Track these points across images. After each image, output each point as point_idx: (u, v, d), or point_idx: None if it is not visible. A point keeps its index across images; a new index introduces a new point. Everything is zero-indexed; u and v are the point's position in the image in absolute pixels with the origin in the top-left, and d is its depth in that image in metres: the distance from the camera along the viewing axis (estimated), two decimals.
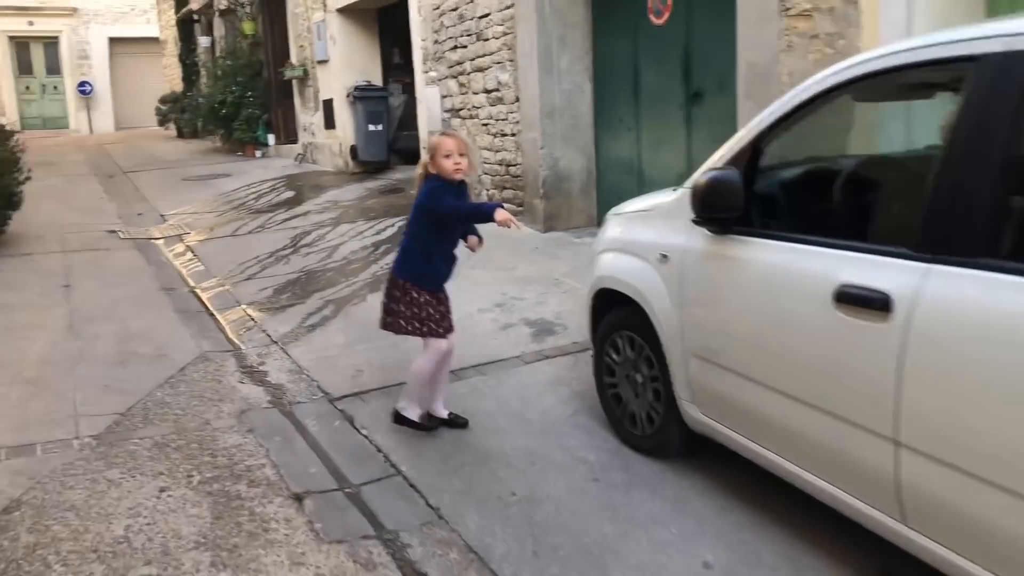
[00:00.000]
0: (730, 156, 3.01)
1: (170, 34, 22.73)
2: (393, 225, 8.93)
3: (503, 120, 8.73)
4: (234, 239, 8.85)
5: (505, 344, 5.15)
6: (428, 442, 3.91)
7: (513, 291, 6.26)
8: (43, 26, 25.49)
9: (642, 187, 7.80)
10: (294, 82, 14.47)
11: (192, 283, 7.21)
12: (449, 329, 3.94)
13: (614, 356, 3.76)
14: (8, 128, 9.00)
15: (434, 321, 3.87)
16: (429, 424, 3.99)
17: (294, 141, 14.93)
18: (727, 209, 2.84)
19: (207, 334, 5.79)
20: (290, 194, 11.41)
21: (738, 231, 2.91)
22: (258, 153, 15.75)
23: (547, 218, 8.22)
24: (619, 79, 7.93)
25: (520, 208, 8.57)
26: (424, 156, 3.82)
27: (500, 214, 3.52)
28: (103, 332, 5.76)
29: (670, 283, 3.25)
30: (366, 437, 4.02)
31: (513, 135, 8.58)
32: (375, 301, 6.26)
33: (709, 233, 3.02)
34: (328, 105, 13.30)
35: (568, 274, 6.60)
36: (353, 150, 12.72)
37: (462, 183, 3.79)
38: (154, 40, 24.78)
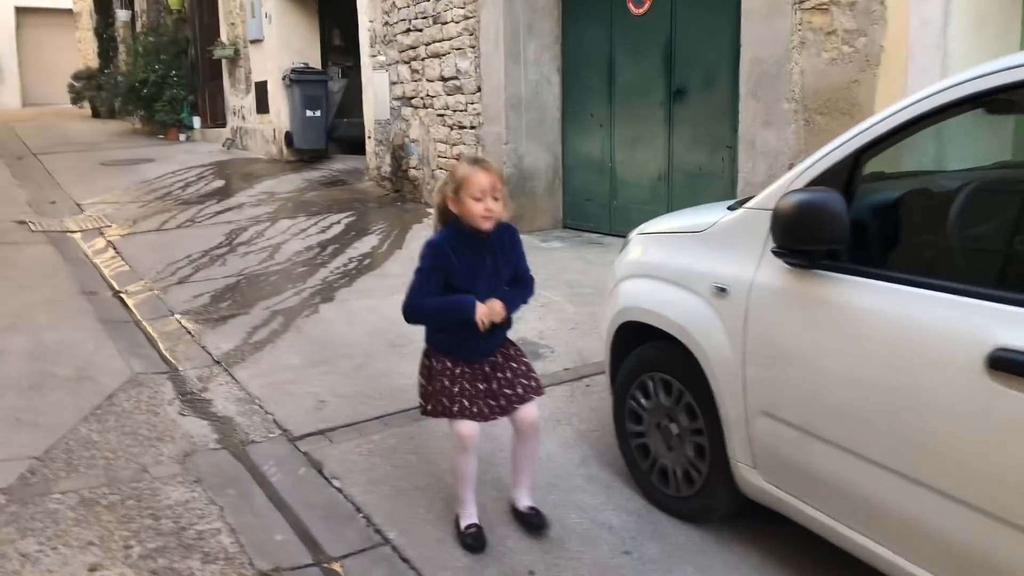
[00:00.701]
0: (817, 174, 2.46)
1: (85, 5, 21.31)
2: (339, 222, 8.21)
3: (462, 111, 8.09)
4: (161, 234, 8.00)
5: None
6: (416, 499, 3.28)
7: None
8: None
9: (613, 187, 7.28)
10: (224, 62, 13.52)
11: (116, 286, 6.38)
12: (474, 413, 2.88)
13: (642, 401, 3.18)
14: None
15: (447, 396, 2.88)
16: (473, 541, 2.93)
17: (222, 125, 13.98)
18: (826, 240, 2.29)
19: (137, 350, 5.02)
20: (220, 183, 10.54)
21: (833, 267, 2.37)
22: (182, 137, 14.73)
23: (511, 220, 7.60)
24: (591, 71, 7.38)
25: None
26: (445, 186, 2.97)
27: (480, 311, 2.79)
28: (13, 347, 4.94)
29: (729, 323, 2.69)
30: (339, 491, 3.36)
31: (473, 128, 7.95)
32: (330, 313, 5.61)
33: (790, 267, 2.47)
34: (261, 88, 12.43)
35: (543, 284, 6.00)
36: (288, 137, 11.89)
37: (498, 231, 2.92)
38: (67, 12, 23.24)
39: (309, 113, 11.68)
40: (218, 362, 4.78)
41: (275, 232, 7.89)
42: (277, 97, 12.00)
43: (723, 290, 2.72)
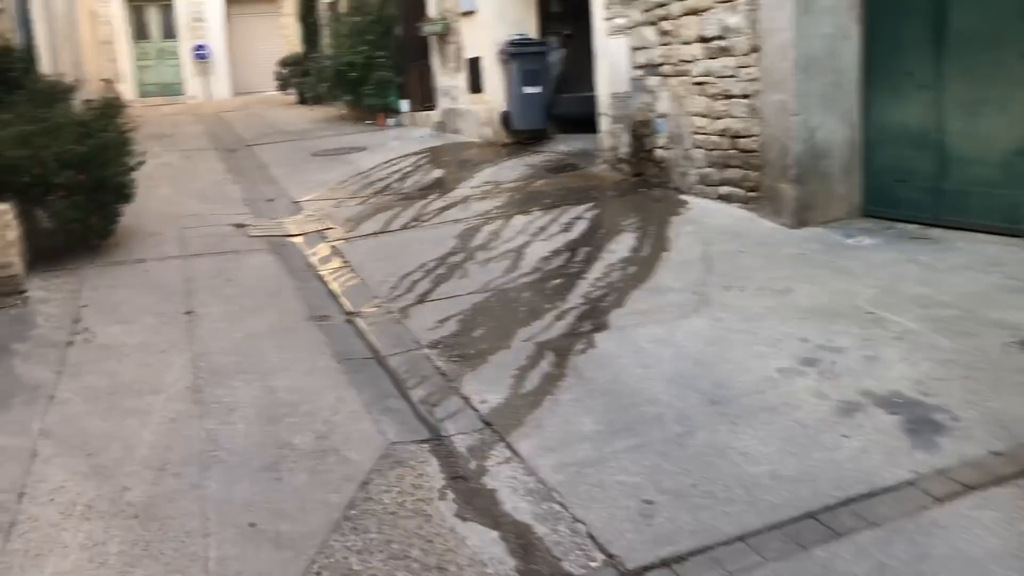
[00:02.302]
0: None
1: None
2: (581, 217, 7.03)
3: (729, 77, 6.67)
4: (388, 237, 7.12)
5: (869, 452, 3.19)
6: None
7: (813, 333, 4.28)
8: None
9: (943, 164, 5.70)
10: (432, 39, 12.66)
11: (349, 306, 5.50)
12: None
13: None
14: (117, 101, 7.46)
15: None
16: None
17: (431, 107, 13.16)
18: None
19: (386, 403, 4.03)
20: (439, 173, 9.63)
21: None
22: (390, 121, 14.06)
23: (799, 208, 6.16)
24: (908, 18, 5.78)
25: (754, 194, 6.54)
26: None
27: None
28: (239, 400, 4.07)
29: None
30: None
31: (745, 97, 6.52)
32: (609, 346, 4.42)
33: None
34: (474, 65, 11.45)
35: (881, 302, 4.57)
36: (505, 117, 10.85)
37: None
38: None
39: (528, 90, 10.57)
40: (489, 424, 3.70)
41: (511, 232, 6.81)
42: (491, 74, 10.98)
43: None
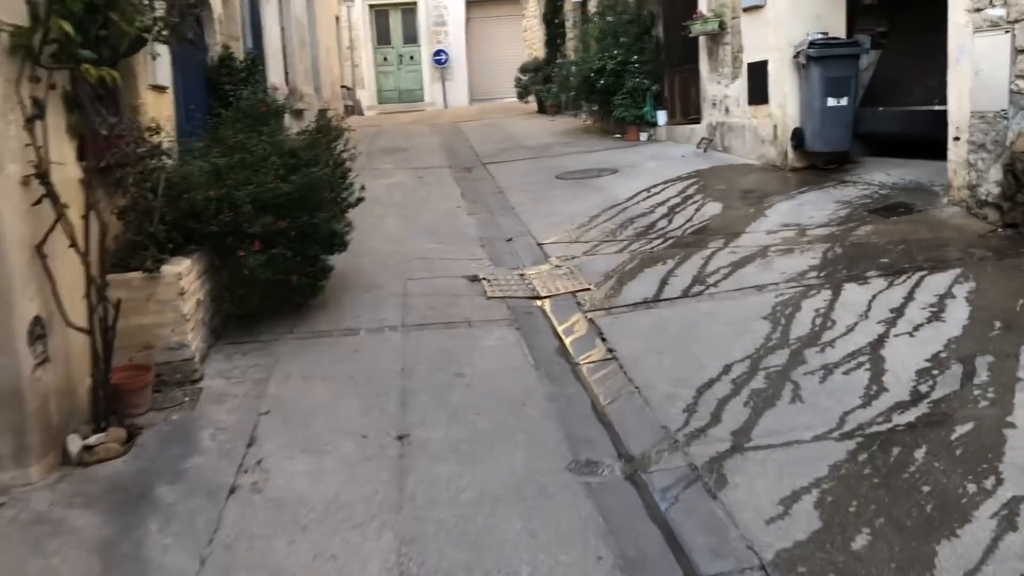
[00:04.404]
0: None
1: None
2: (952, 295, 4.83)
3: None
4: (664, 310, 5.25)
5: None
6: None
7: None
8: None
9: None
10: (701, 41, 10.65)
11: (625, 442, 3.68)
12: None
13: None
14: (335, 123, 6.06)
15: None
16: None
17: (695, 120, 11.16)
18: None
19: None
20: (716, 207, 7.64)
21: None
22: (643, 136, 12.20)
23: None
24: None
25: None
26: None
27: None
28: None
29: None
30: None
31: None
32: None
33: None
34: (756, 70, 9.33)
35: None
36: (797, 135, 8.67)
37: None
38: (513, 1, 22.25)
39: (831, 102, 8.34)
40: None
41: (848, 315, 4.74)
42: (781, 81, 8.83)
43: None
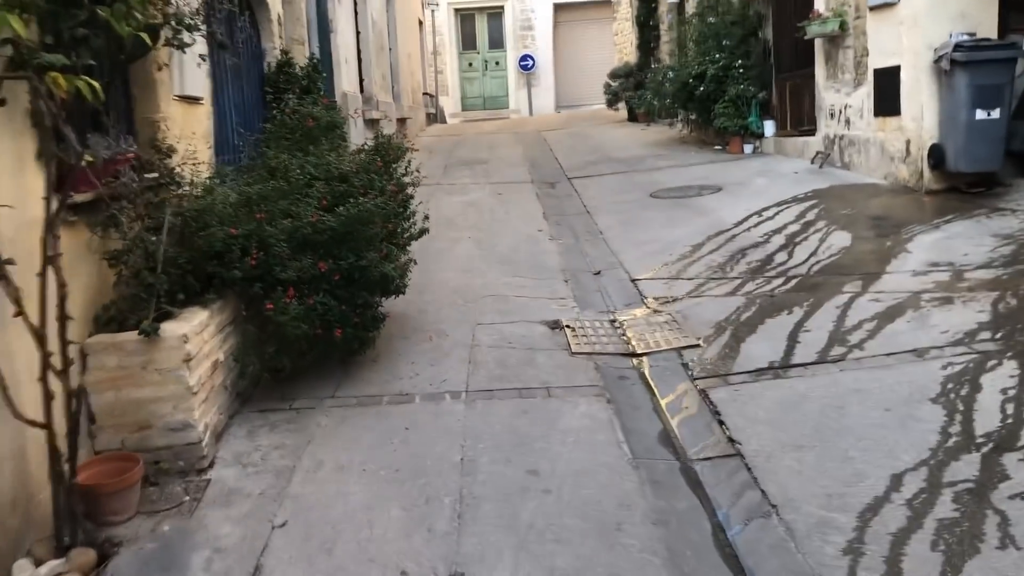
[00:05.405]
0: None
1: None
2: None
3: None
4: (798, 382, 4.15)
5: None
6: None
7: None
8: None
9: None
10: (818, 44, 9.44)
11: None
12: None
13: None
14: (395, 141, 5.13)
15: None
16: None
17: (808, 132, 9.94)
18: None
19: None
20: (843, 238, 6.47)
21: None
22: (747, 148, 11.02)
23: None
24: None
25: None
26: None
27: None
28: None
29: None
30: None
31: None
32: None
33: None
34: (885, 77, 8.09)
35: None
36: (935, 152, 7.41)
37: None
38: (604, 3, 21.18)
39: (980, 114, 7.07)
40: None
41: None
42: (916, 89, 7.58)
43: None
